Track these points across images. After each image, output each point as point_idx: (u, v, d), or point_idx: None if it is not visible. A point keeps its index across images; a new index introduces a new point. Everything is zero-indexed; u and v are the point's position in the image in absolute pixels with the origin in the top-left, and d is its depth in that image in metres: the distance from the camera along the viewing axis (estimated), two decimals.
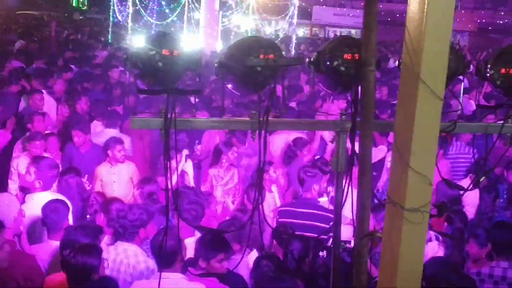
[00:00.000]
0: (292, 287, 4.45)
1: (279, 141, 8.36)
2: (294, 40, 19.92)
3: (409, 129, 2.81)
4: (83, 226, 5.22)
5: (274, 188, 7.40)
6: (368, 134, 3.11)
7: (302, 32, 33.64)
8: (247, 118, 3.28)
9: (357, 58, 3.18)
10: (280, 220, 6.31)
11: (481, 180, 3.65)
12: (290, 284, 4.43)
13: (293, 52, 18.99)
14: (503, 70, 3.36)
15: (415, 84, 2.78)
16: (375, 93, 3.10)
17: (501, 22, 34.68)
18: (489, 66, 3.42)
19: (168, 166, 3.15)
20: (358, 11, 33.59)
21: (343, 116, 3.37)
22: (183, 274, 4.58)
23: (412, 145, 2.81)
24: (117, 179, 7.41)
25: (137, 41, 3.12)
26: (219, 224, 5.81)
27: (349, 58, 3.22)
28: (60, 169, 6.84)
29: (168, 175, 3.15)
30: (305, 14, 31.49)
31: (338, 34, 31.33)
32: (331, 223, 3.67)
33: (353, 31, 32.06)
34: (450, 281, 4.63)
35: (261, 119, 3.17)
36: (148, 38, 3.09)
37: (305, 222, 6.03)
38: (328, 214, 5.93)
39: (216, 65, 3.19)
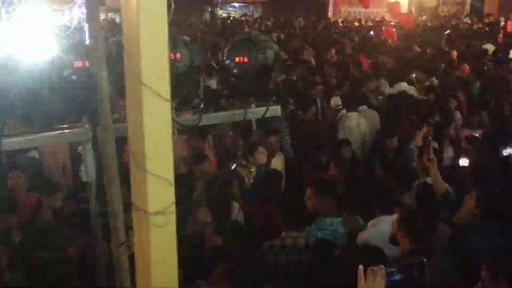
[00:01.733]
0: None
1: None
2: (86, 30, 18.99)
3: (139, 133, 2.78)
4: None
5: None
6: (107, 142, 3.05)
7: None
8: None
9: (88, 65, 3.11)
10: None
11: (232, 167, 3.76)
12: None
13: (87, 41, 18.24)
14: (237, 59, 3.46)
15: (139, 88, 2.75)
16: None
17: None
18: (224, 56, 3.51)
19: None
20: None
21: (85, 125, 3.26)
22: None
23: (146, 149, 2.79)
24: None
25: None
26: None
27: (79, 66, 3.14)
28: None
29: None
30: None
31: None
32: None
33: None
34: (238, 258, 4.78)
35: None
36: None
37: None
38: None
39: None
